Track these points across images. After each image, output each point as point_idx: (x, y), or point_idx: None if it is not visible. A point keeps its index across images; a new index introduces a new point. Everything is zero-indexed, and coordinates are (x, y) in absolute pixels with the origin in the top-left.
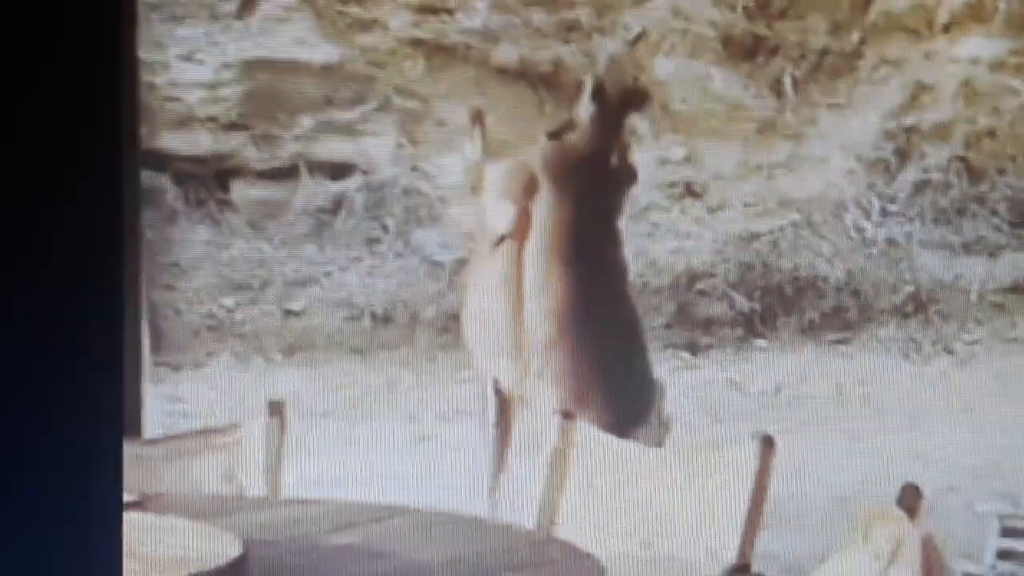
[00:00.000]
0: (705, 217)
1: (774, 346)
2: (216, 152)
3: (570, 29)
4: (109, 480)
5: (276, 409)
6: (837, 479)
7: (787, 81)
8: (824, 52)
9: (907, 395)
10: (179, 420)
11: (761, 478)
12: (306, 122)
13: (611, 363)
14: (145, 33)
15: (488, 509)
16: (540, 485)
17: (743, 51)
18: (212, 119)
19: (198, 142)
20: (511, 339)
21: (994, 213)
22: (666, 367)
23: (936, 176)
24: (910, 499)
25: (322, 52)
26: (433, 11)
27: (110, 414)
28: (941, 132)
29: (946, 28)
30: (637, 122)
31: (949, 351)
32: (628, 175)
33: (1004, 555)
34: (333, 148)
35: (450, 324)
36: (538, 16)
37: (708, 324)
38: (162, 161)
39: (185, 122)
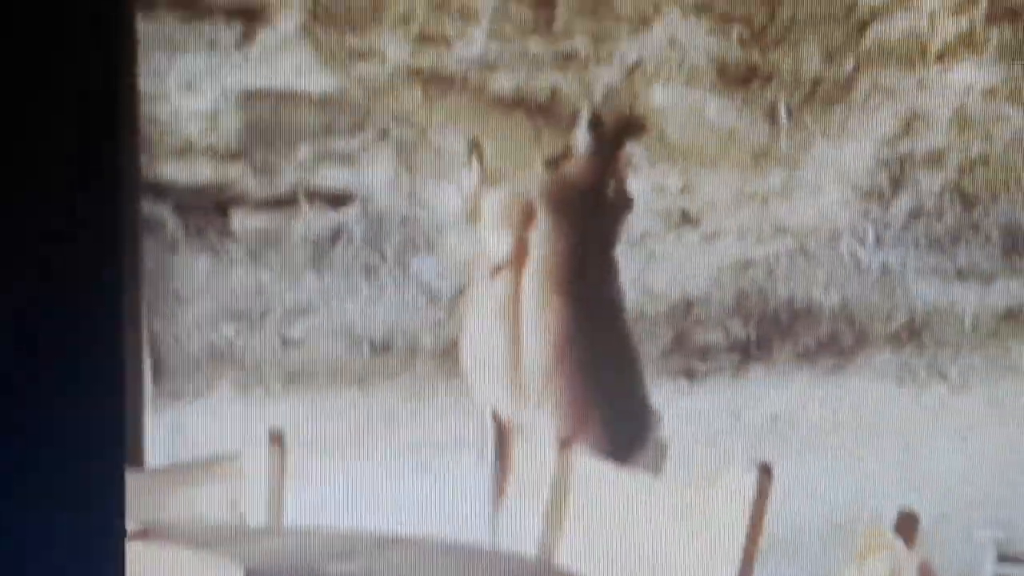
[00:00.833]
0: (701, 245)
1: (770, 373)
2: (216, 182)
3: (567, 59)
4: (111, 510)
5: (276, 438)
6: (833, 506)
7: (781, 109)
8: (818, 80)
9: (902, 421)
10: (180, 449)
11: (758, 507)
12: (305, 152)
13: (608, 391)
14: (145, 64)
15: (488, 538)
16: (540, 514)
17: (738, 79)
18: (212, 149)
19: (198, 172)
20: (509, 367)
21: (988, 240)
22: (663, 394)
23: (930, 203)
24: (906, 526)
25: (320, 82)
26: (431, 41)
27: (112, 443)
28: (935, 160)
29: (939, 56)
30: (633, 150)
31: (944, 377)
32: (624, 203)
33: None
34: (332, 177)
35: (449, 352)
36: (535, 46)
37: (704, 351)
38: (162, 191)
39: (185, 152)
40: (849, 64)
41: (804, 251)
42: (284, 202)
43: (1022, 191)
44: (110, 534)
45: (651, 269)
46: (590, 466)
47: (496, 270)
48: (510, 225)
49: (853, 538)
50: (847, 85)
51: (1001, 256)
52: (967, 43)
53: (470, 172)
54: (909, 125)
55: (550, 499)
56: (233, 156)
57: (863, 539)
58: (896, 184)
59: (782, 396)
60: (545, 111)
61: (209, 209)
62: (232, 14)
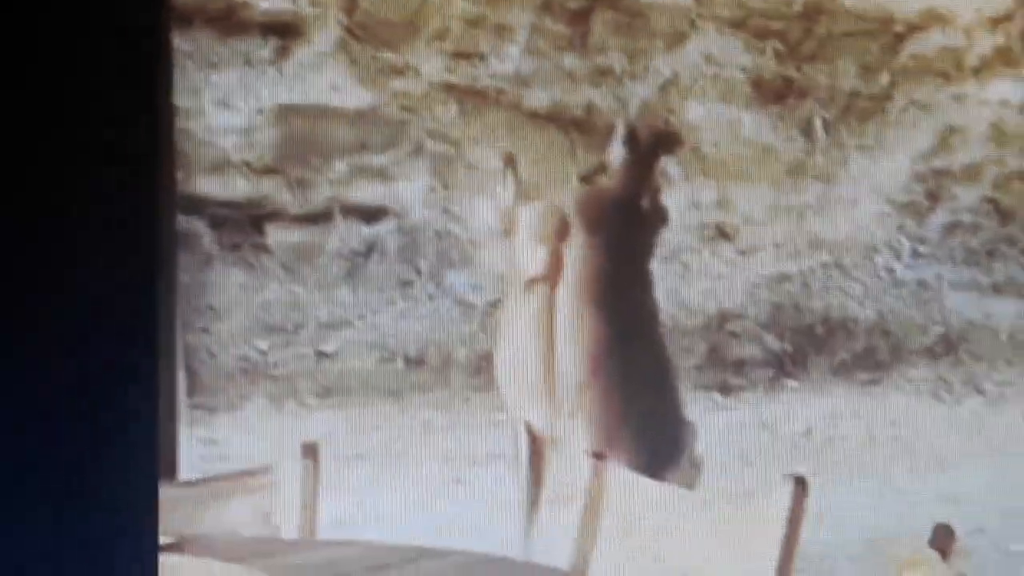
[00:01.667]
0: (736, 259)
1: (805, 387)
2: (251, 197)
3: (602, 74)
4: (145, 523)
5: (310, 451)
6: (869, 521)
7: (817, 123)
8: (854, 94)
9: (938, 436)
10: (214, 463)
11: (794, 521)
12: (340, 167)
13: (643, 405)
14: (181, 80)
15: (522, 551)
16: (574, 527)
17: (773, 94)
18: (247, 164)
19: (233, 187)
20: (543, 381)
21: None
22: (698, 408)
23: (966, 218)
24: (943, 540)
25: (355, 97)
26: (466, 56)
27: (146, 457)
28: (971, 174)
29: (976, 71)
30: (668, 165)
31: (979, 391)
32: (659, 218)
33: None
34: (366, 192)
35: (483, 366)
36: (570, 61)
37: (739, 365)
38: (198, 206)
39: (220, 167)
40: (885, 79)
41: (840, 265)
42: (319, 217)
43: None
44: (144, 547)
45: (686, 283)
46: (624, 479)
47: (531, 284)
48: (545, 239)
49: (889, 553)
50: (883, 100)
51: None
52: (1004, 58)
53: (505, 187)
54: (945, 140)
55: (584, 512)
56: (268, 171)
57: (899, 554)
58: (932, 198)
59: (817, 411)
60: (580, 126)
61: (244, 224)
62: (268, 30)
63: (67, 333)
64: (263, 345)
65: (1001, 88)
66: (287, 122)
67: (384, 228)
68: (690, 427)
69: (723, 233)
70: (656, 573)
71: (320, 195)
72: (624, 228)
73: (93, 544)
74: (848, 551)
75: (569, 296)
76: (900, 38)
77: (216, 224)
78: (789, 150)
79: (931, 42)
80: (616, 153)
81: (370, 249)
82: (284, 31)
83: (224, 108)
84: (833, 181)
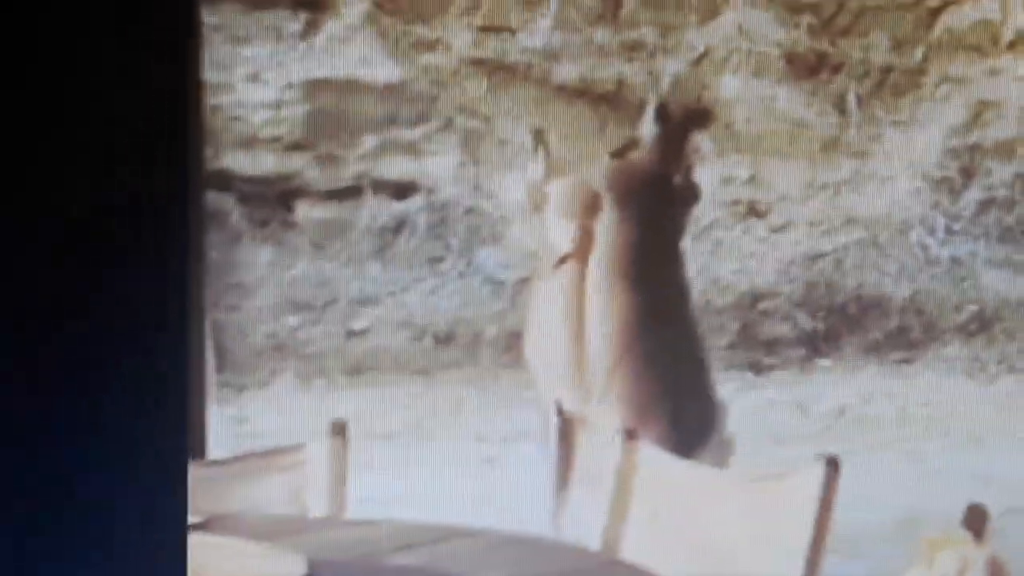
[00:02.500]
0: (769, 236)
1: (838, 366)
2: (280, 173)
3: (633, 48)
4: (174, 501)
5: (339, 429)
6: (901, 501)
7: (851, 99)
8: (888, 69)
9: (971, 415)
10: (244, 440)
11: (826, 501)
12: (369, 142)
13: (674, 384)
14: (209, 54)
15: (552, 531)
16: (604, 507)
17: (807, 69)
18: (276, 139)
19: (262, 163)
20: (573, 360)
21: None
22: (729, 388)
23: (1001, 194)
24: (976, 520)
25: (385, 72)
26: (495, 30)
27: (176, 434)
28: (1005, 150)
29: (1011, 45)
30: (700, 141)
31: (1013, 370)
32: (691, 194)
33: None
34: (396, 168)
35: (513, 344)
36: (601, 35)
37: (771, 344)
38: (226, 182)
39: (249, 143)
40: (919, 53)
41: (874, 243)
42: (348, 193)
43: None
44: (173, 525)
45: (718, 260)
46: (655, 459)
47: (561, 261)
48: (575, 215)
49: (921, 533)
50: (917, 74)
51: None
52: None
53: (535, 162)
54: (979, 115)
55: (614, 492)
56: (297, 147)
57: (932, 534)
58: (967, 174)
59: (850, 390)
60: (611, 101)
61: (273, 200)
62: (297, 4)
63: (97, 312)
64: (292, 322)
65: None
66: (316, 97)
67: (414, 204)
68: (722, 406)
69: (755, 210)
70: (687, 553)
71: (349, 171)
72: (656, 205)
73: (122, 521)
74: (881, 531)
75: (600, 273)
76: (934, 12)
77: (245, 200)
78: (823, 126)
79: (966, 16)
80: (648, 129)
81: (400, 225)
82: (314, 4)
83: (254, 83)
84: (867, 157)
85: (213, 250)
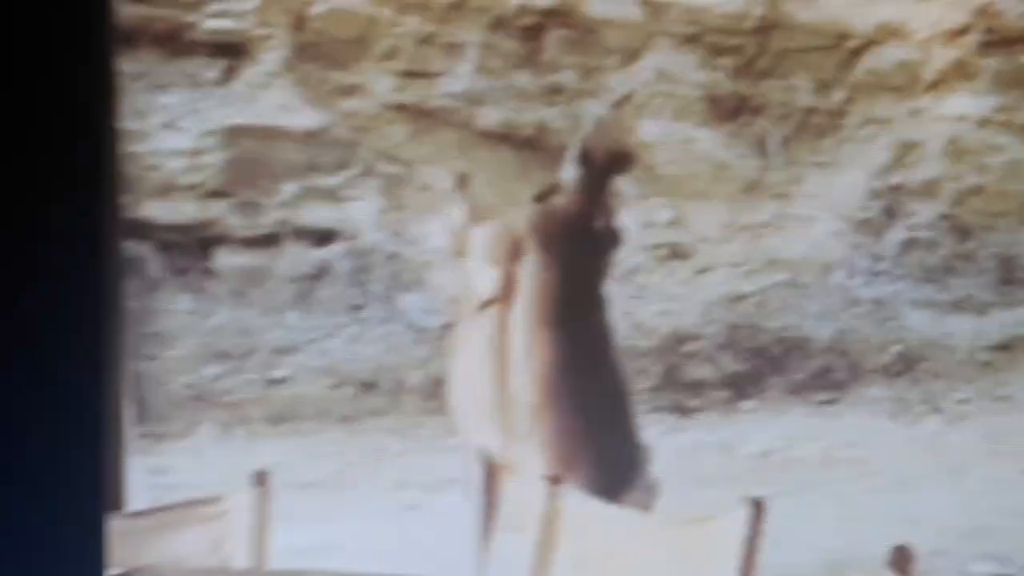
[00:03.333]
0: (692, 278)
1: (762, 408)
2: (198, 220)
3: (555, 92)
4: (93, 554)
5: (261, 479)
6: (827, 543)
7: (772, 140)
8: (809, 111)
9: (896, 456)
10: (163, 492)
11: (752, 544)
12: (289, 189)
13: (598, 428)
14: (127, 102)
15: None
16: (529, 553)
17: (728, 111)
18: (194, 187)
19: (180, 210)
20: (497, 404)
21: (982, 271)
22: (654, 430)
23: (924, 234)
24: (902, 561)
25: (304, 118)
26: (417, 75)
27: (93, 487)
28: (928, 190)
29: (932, 86)
30: (622, 184)
31: (938, 411)
32: (613, 238)
33: None
34: (316, 215)
35: (437, 390)
36: (522, 79)
37: (695, 387)
38: (144, 230)
39: (167, 191)
40: (840, 94)
41: (796, 284)
42: (268, 240)
43: (1017, 221)
44: None
45: (641, 303)
46: (580, 504)
47: (484, 306)
48: (498, 261)
49: (848, 575)
50: (838, 116)
51: (996, 287)
52: (960, 72)
53: (458, 208)
54: (902, 155)
55: (539, 538)
56: (216, 194)
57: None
58: (889, 215)
59: (775, 431)
60: (533, 145)
61: (192, 248)
62: (215, 50)
63: (11, 361)
64: (212, 372)
65: (958, 103)
66: (235, 144)
67: (334, 251)
68: (646, 449)
69: (678, 253)
70: None
71: (269, 218)
72: (578, 248)
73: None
74: (808, 573)
75: (523, 318)
76: (855, 53)
77: (163, 248)
78: (744, 168)
79: (887, 57)
80: (569, 173)
81: (320, 272)
82: (231, 51)
83: (171, 130)
84: (789, 198)
85: (131, 299)
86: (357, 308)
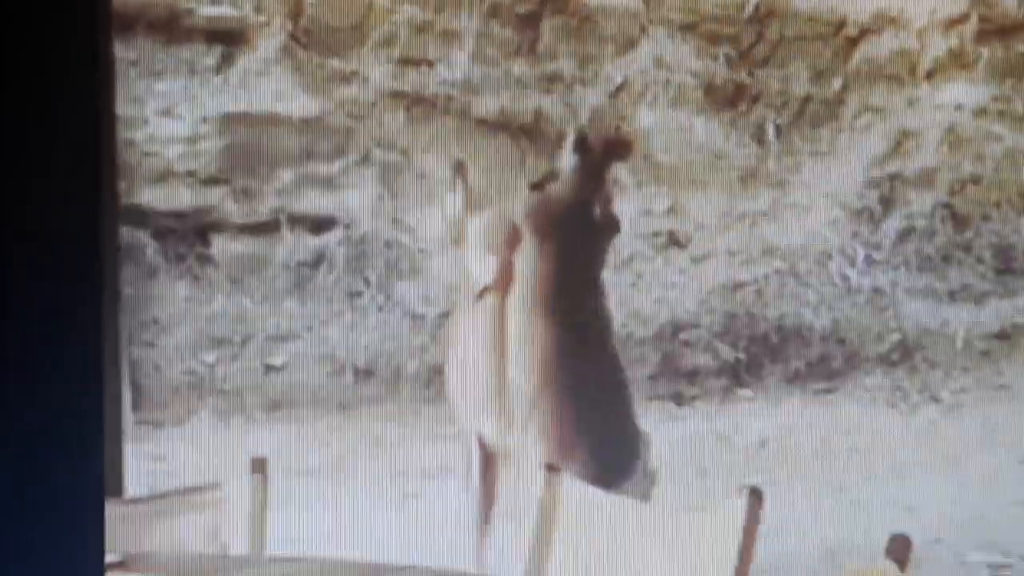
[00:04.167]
0: (689, 267)
1: (759, 397)
2: (196, 207)
3: (552, 80)
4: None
5: (259, 466)
6: (825, 532)
7: (769, 129)
8: (806, 99)
9: (894, 445)
10: (161, 478)
11: (749, 532)
12: (286, 176)
13: (595, 415)
14: (123, 89)
15: (475, 566)
16: (527, 541)
17: (725, 100)
18: (191, 174)
19: (177, 197)
20: (495, 392)
21: (979, 260)
22: (650, 418)
23: (921, 223)
24: (899, 550)
25: (301, 105)
26: (413, 63)
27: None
28: (925, 179)
29: (929, 75)
30: (620, 172)
31: (936, 399)
32: (611, 226)
33: None
34: (313, 202)
35: (434, 378)
36: (519, 67)
37: (693, 375)
38: (141, 217)
39: (164, 177)
40: (838, 83)
41: (793, 272)
42: (265, 227)
43: (1014, 210)
44: (90, 565)
45: (638, 291)
46: (578, 492)
47: (481, 294)
48: (495, 248)
49: (845, 563)
50: (835, 104)
51: (993, 276)
52: (957, 61)
53: (455, 195)
54: (899, 144)
55: (537, 526)
56: (213, 181)
57: (855, 564)
58: (886, 204)
59: (772, 420)
60: (530, 133)
61: (189, 235)
62: (212, 37)
63: (9, 349)
64: (210, 359)
65: (955, 92)
66: (232, 131)
67: (332, 238)
68: (644, 438)
69: (676, 241)
70: None
71: (266, 205)
72: (575, 237)
73: (38, 563)
74: (804, 562)
75: (520, 306)
76: (853, 42)
77: (160, 235)
78: (741, 156)
79: (884, 45)
80: (567, 161)
81: (318, 260)
82: (228, 38)
83: (168, 117)
84: (786, 187)
85: (128, 286)
86: (354, 296)
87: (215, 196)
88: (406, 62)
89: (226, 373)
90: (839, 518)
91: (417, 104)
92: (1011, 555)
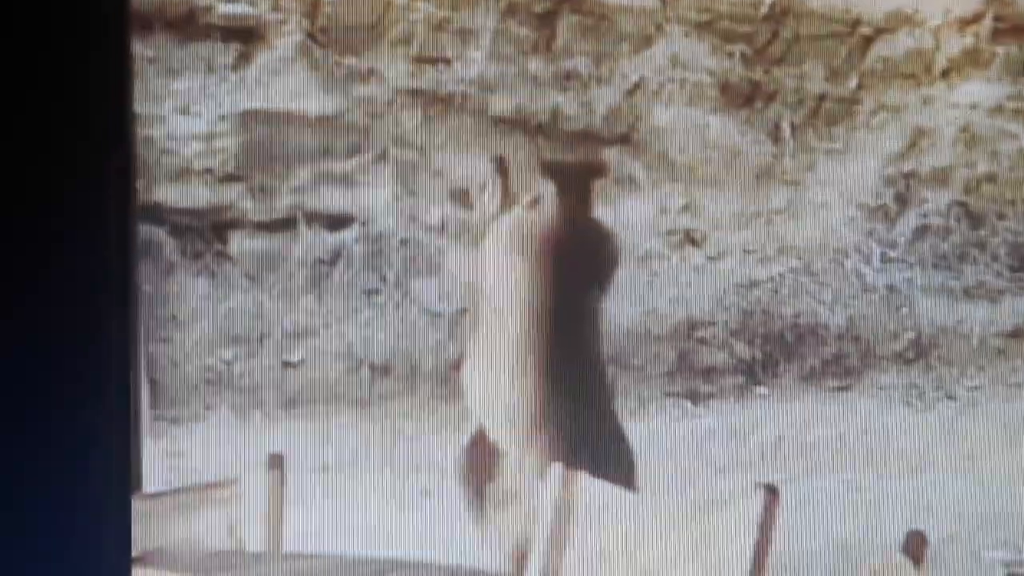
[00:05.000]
0: (705, 265)
1: (775, 394)
2: (213, 204)
3: (567, 78)
4: (115, 536)
5: (276, 462)
6: (840, 529)
7: (785, 127)
8: (822, 98)
9: (909, 443)
10: (179, 475)
11: (765, 530)
12: (303, 173)
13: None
14: (141, 87)
15: (492, 564)
16: (542, 538)
17: (740, 98)
18: (209, 171)
19: (195, 195)
20: (508, 392)
21: (994, 258)
22: (667, 416)
23: (936, 221)
24: (915, 547)
25: (318, 103)
26: (430, 61)
27: (116, 470)
28: (940, 177)
29: (944, 73)
30: (634, 170)
31: (951, 397)
32: (602, 237)
33: None
34: (330, 199)
35: (450, 375)
36: (535, 65)
37: (709, 373)
38: (159, 214)
39: (182, 175)
40: (853, 81)
41: (809, 270)
42: (282, 224)
43: None
44: (114, 561)
45: (654, 289)
46: (594, 490)
47: (497, 291)
48: (514, 249)
49: (860, 560)
50: (851, 103)
51: (1008, 274)
52: (973, 60)
53: (491, 193)
54: (914, 143)
55: (553, 523)
56: (230, 178)
57: (872, 562)
58: (902, 202)
59: (788, 417)
60: (546, 131)
61: (206, 232)
62: (229, 36)
63: (27, 345)
64: (227, 355)
65: (970, 90)
66: (249, 128)
67: (349, 236)
68: (623, 432)
69: (691, 239)
70: None
71: (283, 202)
72: (569, 256)
73: (64, 557)
74: (820, 559)
75: (532, 308)
76: (868, 40)
77: (178, 233)
78: (757, 154)
79: (899, 44)
80: (544, 187)
81: (335, 257)
82: (246, 36)
83: (185, 115)
84: (801, 185)
85: (146, 283)
86: (371, 293)
87: (232, 193)
88: (423, 60)
89: (243, 370)
90: (854, 515)
91: (434, 102)
92: None
